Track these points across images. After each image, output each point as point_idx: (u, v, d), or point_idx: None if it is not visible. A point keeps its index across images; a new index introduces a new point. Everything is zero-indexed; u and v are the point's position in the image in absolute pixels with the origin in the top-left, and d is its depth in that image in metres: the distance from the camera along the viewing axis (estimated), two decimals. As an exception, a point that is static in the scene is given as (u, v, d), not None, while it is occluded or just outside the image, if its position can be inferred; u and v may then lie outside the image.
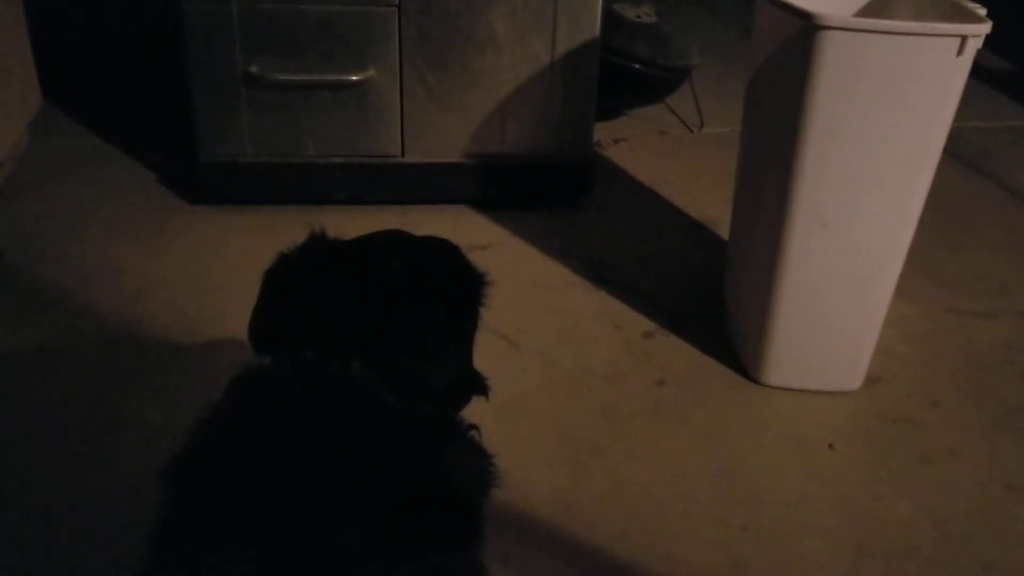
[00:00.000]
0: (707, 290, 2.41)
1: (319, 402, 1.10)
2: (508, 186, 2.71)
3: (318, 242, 1.24)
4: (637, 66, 3.03)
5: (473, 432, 1.25)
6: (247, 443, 1.08)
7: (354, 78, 2.51)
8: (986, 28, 1.72)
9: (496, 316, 2.24)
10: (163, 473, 1.10)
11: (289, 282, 1.20)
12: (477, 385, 1.30)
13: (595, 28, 2.55)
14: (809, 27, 1.74)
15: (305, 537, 1.01)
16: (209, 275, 2.33)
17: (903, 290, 2.08)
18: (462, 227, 2.59)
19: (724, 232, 2.48)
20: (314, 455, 1.06)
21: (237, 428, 1.11)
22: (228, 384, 1.17)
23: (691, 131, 3.25)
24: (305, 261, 1.21)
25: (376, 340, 1.13)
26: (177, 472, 1.10)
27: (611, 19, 2.88)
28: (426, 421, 1.16)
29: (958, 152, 3.10)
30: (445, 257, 1.28)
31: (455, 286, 1.23)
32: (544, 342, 2.22)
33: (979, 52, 1.75)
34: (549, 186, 2.74)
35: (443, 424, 1.19)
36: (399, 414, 1.13)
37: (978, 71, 1.86)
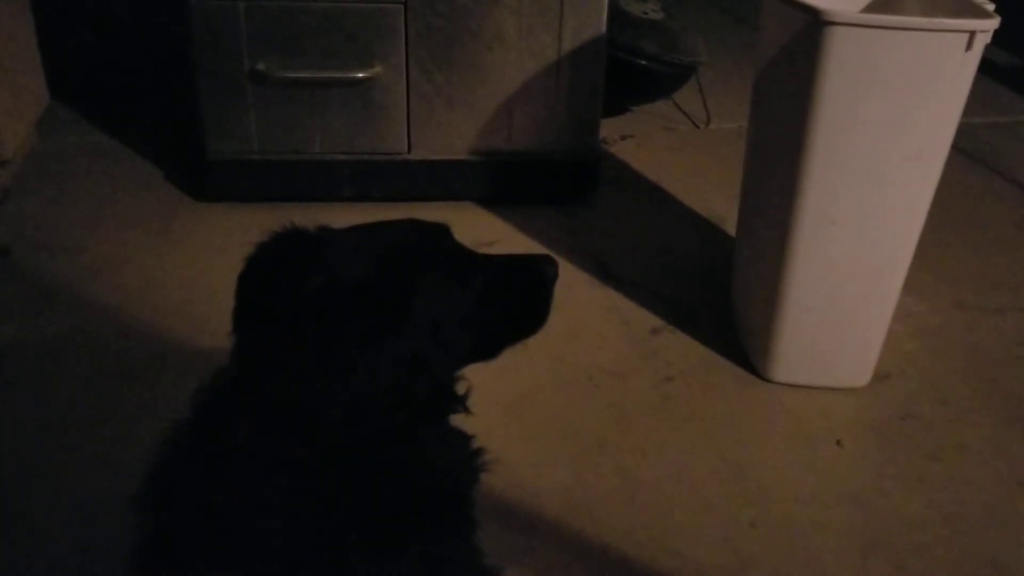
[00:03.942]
0: (714, 286, 2.40)
1: (274, 417, 1.08)
2: (515, 183, 2.71)
3: (282, 240, 1.19)
4: (644, 62, 3.02)
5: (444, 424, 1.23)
6: (213, 464, 1.08)
7: (360, 75, 2.51)
8: (994, 23, 1.72)
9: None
10: (133, 498, 1.10)
11: (244, 284, 1.18)
12: (445, 403, 1.23)
13: (602, 24, 2.54)
14: (817, 23, 1.73)
15: (283, 551, 1.02)
16: (215, 272, 2.33)
17: (911, 286, 2.08)
18: (469, 224, 2.59)
19: (731, 228, 2.48)
20: (279, 472, 1.06)
21: (201, 450, 1.11)
22: (190, 398, 1.17)
23: (698, 127, 3.25)
24: (265, 262, 1.17)
25: (288, 357, 1.10)
26: (146, 497, 1.10)
27: (617, 15, 2.87)
28: (384, 425, 1.12)
29: (966, 148, 3.09)
30: (402, 267, 1.17)
31: (388, 301, 1.14)
32: (551, 339, 2.21)
33: (987, 47, 1.74)
34: (556, 183, 2.73)
35: (400, 424, 1.15)
36: (342, 424, 1.09)
37: (986, 66, 1.86)
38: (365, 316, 1.10)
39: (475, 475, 1.23)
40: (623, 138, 3.16)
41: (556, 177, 2.72)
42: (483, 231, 2.57)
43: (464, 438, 1.24)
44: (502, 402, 1.97)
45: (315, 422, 1.07)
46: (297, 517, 1.04)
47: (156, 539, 1.08)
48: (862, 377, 2.10)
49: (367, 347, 1.09)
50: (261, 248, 1.17)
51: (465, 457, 1.23)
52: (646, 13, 3.10)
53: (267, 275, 1.15)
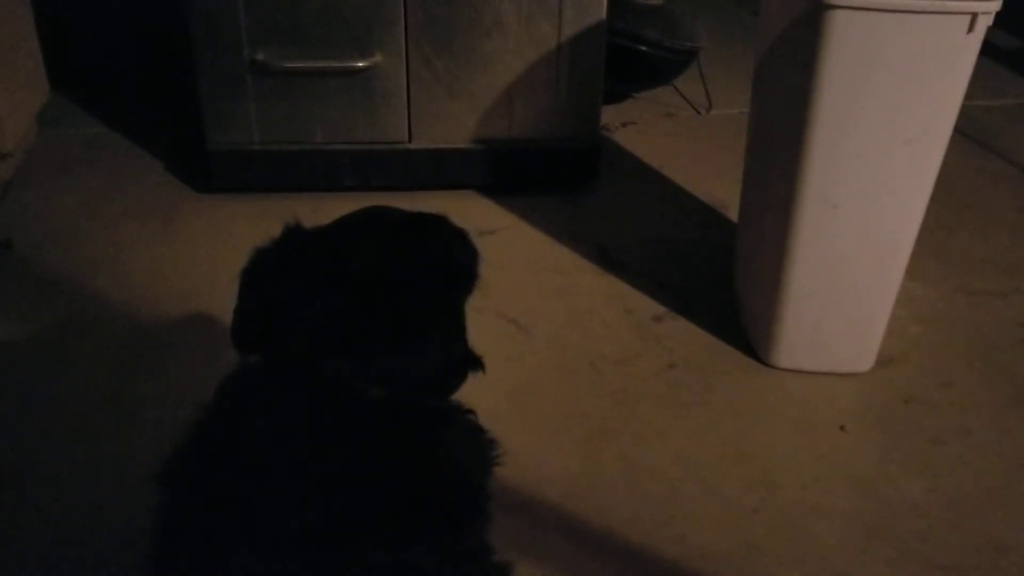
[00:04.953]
0: (717, 273, 2.40)
1: (307, 403, 1.09)
2: (516, 171, 2.70)
3: (293, 235, 1.21)
4: (644, 48, 3.01)
5: (470, 416, 1.24)
6: (239, 446, 1.08)
7: (360, 64, 2.51)
8: (996, 5, 1.71)
9: (505, 301, 2.25)
10: (158, 477, 1.10)
11: (267, 281, 1.18)
12: (471, 363, 1.28)
13: (602, 10, 2.53)
14: (818, 6, 1.72)
15: (306, 533, 1.02)
16: (217, 263, 2.33)
17: (914, 270, 2.07)
18: (470, 212, 2.58)
19: (733, 214, 2.48)
20: (306, 455, 1.06)
21: (228, 431, 1.11)
22: (218, 386, 1.17)
23: (699, 113, 3.24)
24: (281, 257, 1.19)
25: (357, 336, 1.11)
26: (171, 476, 1.10)
27: (618, 1, 2.86)
28: (416, 411, 1.14)
29: (968, 131, 3.08)
30: (425, 236, 1.23)
31: (435, 269, 1.19)
32: (554, 326, 2.21)
33: (989, 30, 1.73)
34: (557, 170, 2.73)
35: (434, 411, 1.18)
36: (387, 408, 1.11)
37: (988, 49, 1.85)
38: (438, 284, 1.13)
39: (489, 467, 1.23)
40: (624, 125, 3.15)
41: (557, 164, 2.71)
42: (484, 219, 2.57)
43: (479, 430, 1.25)
44: (505, 390, 1.97)
45: (361, 402, 1.08)
46: (322, 501, 1.04)
47: (180, 518, 1.08)
48: (865, 362, 2.10)
49: (442, 315, 1.12)
50: (277, 241, 1.18)
51: (480, 449, 1.24)
52: (646, -1, 3.09)
53: (291, 262, 1.16)
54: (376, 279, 1.13)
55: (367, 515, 1.04)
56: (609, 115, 3.10)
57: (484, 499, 1.20)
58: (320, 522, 1.03)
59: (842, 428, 1.96)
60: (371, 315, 1.11)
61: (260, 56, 2.48)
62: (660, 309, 2.28)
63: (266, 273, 1.18)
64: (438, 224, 1.27)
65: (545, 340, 2.17)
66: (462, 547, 1.13)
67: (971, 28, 1.71)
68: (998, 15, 1.72)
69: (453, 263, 1.23)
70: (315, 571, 1.02)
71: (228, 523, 1.03)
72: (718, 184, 2.79)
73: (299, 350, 1.12)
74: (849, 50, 1.74)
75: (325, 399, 1.09)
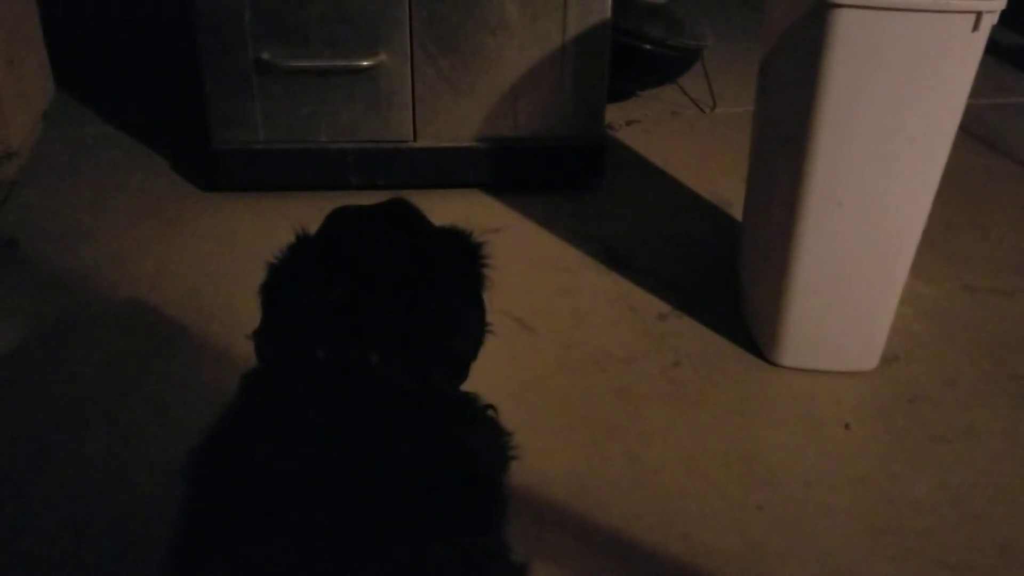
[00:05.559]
0: (721, 271, 2.40)
1: (338, 394, 1.10)
2: (520, 169, 2.70)
3: (303, 245, 1.23)
4: (649, 47, 3.01)
5: (490, 412, 1.25)
6: (267, 437, 1.09)
7: (365, 63, 2.51)
8: (1001, 3, 1.70)
9: (510, 299, 2.25)
10: (184, 469, 1.10)
11: (288, 293, 1.19)
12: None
13: (606, 9, 2.53)
14: (823, 4, 1.72)
15: (331, 525, 1.02)
16: (222, 262, 2.33)
17: (919, 268, 2.07)
18: (475, 211, 2.59)
19: (738, 213, 2.48)
20: (336, 445, 1.07)
21: (256, 425, 1.11)
22: (241, 381, 1.18)
23: (704, 112, 3.24)
24: (298, 269, 1.20)
25: (399, 328, 1.13)
26: (197, 469, 1.10)
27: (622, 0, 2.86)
28: (445, 404, 1.16)
29: (973, 129, 3.07)
30: (417, 225, 1.27)
31: (454, 254, 1.23)
32: (558, 325, 2.22)
33: (994, 28, 1.73)
34: (561, 169, 2.73)
35: (461, 406, 1.19)
36: (418, 399, 1.13)
37: (992, 47, 1.85)
38: (453, 267, 1.16)
39: (506, 462, 1.23)
40: (628, 123, 3.15)
41: (562, 163, 2.72)
42: (489, 218, 2.57)
43: (499, 429, 1.26)
44: (509, 389, 1.97)
45: (395, 395, 1.09)
46: (352, 496, 1.04)
47: (205, 510, 1.09)
48: (870, 360, 2.10)
49: (464, 295, 1.15)
50: (289, 253, 1.20)
51: (499, 444, 1.24)
52: (651, -3, 3.09)
53: (309, 273, 1.18)
54: (393, 274, 1.15)
55: (395, 510, 1.04)
56: (613, 113, 3.11)
57: (503, 499, 1.20)
58: (349, 516, 1.03)
59: (846, 426, 1.96)
60: (410, 306, 1.13)
61: (265, 55, 2.48)
62: (665, 307, 2.28)
63: (286, 286, 1.20)
64: (408, 210, 1.30)
65: (550, 338, 2.17)
66: (482, 545, 1.14)
67: (976, 27, 1.71)
68: (1003, 13, 1.72)
69: (467, 246, 1.25)
70: (339, 566, 1.02)
71: (254, 516, 1.04)
72: (722, 182, 2.79)
73: (333, 348, 1.13)
74: (854, 48, 1.74)
75: (360, 393, 1.10)
